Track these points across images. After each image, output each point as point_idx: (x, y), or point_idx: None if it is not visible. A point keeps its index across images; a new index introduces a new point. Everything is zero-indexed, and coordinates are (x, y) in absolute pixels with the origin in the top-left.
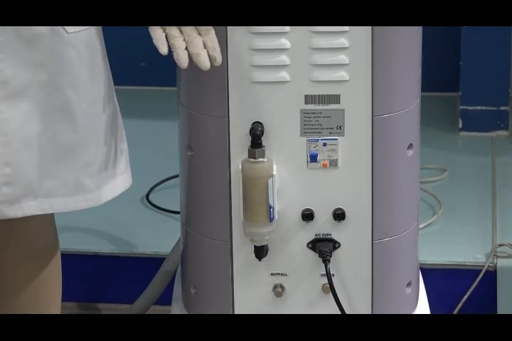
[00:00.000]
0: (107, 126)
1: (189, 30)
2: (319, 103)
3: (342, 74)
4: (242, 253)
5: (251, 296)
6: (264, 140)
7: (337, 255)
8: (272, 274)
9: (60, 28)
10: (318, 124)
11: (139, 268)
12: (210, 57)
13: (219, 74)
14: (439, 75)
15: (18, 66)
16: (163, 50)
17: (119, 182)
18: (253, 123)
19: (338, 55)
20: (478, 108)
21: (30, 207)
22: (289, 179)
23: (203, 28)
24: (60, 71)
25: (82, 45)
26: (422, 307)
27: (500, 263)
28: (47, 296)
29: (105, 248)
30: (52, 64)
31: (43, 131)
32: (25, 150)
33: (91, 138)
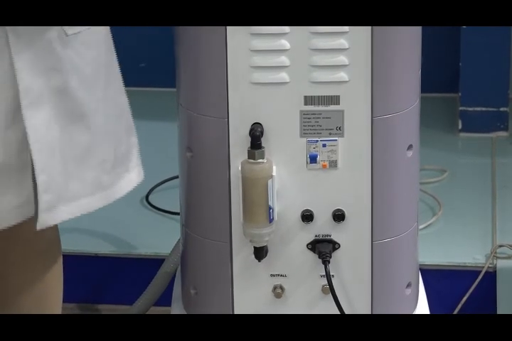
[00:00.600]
0: (117, 121)
1: None
2: (319, 104)
3: (341, 75)
4: (241, 254)
5: (251, 297)
6: (263, 141)
7: (337, 256)
8: (271, 275)
9: (61, 31)
10: (318, 125)
11: (139, 269)
12: None
13: (218, 75)
14: (438, 76)
15: (35, 73)
16: None
17: (134, 175)
18: (253, 124)
19: (338, 56)
20: (478, 109)
21: (63, 213)
22: (288, 180)
23: None
24: (68, 74)
25: (82, 46)
26: (422, 308)
27: (500, 264)
28: (50, 296)
29: (105, 249)
30: (62, 67)
31: (61, 135)
32: (52, 156)
33: (104, 135)
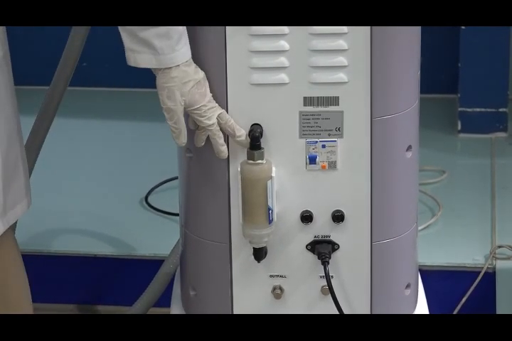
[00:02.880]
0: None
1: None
2: (318, 105)
3: (341, 76)
4: (241, 255)
5: (250, 298)
6: (263, 142)
7: (336, 257)
8: (270, 276)
9: None
10: (317, 126)
11: (138, 270)
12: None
13: (218, 76)
14: (438, 77)
15: None
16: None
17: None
18: (252, 125)
19: (337, 57)
20: (477, 110)
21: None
22: (288, 181)
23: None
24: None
25: (6, 69)
26: (421, 309)
27: (499, 264)
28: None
29: (104, 250)
30: None
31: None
32: None
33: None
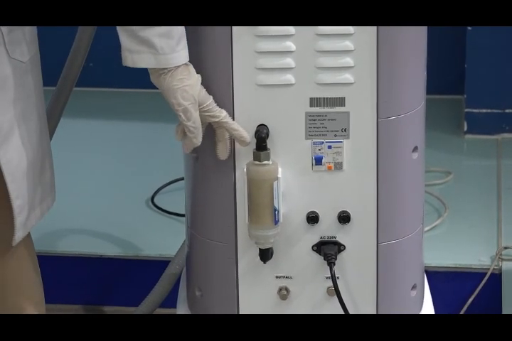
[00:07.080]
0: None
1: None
2: (324, 106)
3: (347, 77)
4: (247, 255)
5: (256, 299)
6: (269, 142)
7: (342, 258)
8: (276, 277)
9: (16, 61)
10: (323, 127)
11: (144, 271)
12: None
13: (224, 77)
14: (444, 78)
15: (3, 109)
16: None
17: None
18: (258, 125)
19: (343, 58)
20: (484, 111)
21: (31, 220)
22: (294, 182)
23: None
24: (25, 98)
25: (37, 69)
26: (427, 310)
27: (506, 266)
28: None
29: (110, 251)
30: (20, 96)
31: (33, 157)
32: (25, 180)
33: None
